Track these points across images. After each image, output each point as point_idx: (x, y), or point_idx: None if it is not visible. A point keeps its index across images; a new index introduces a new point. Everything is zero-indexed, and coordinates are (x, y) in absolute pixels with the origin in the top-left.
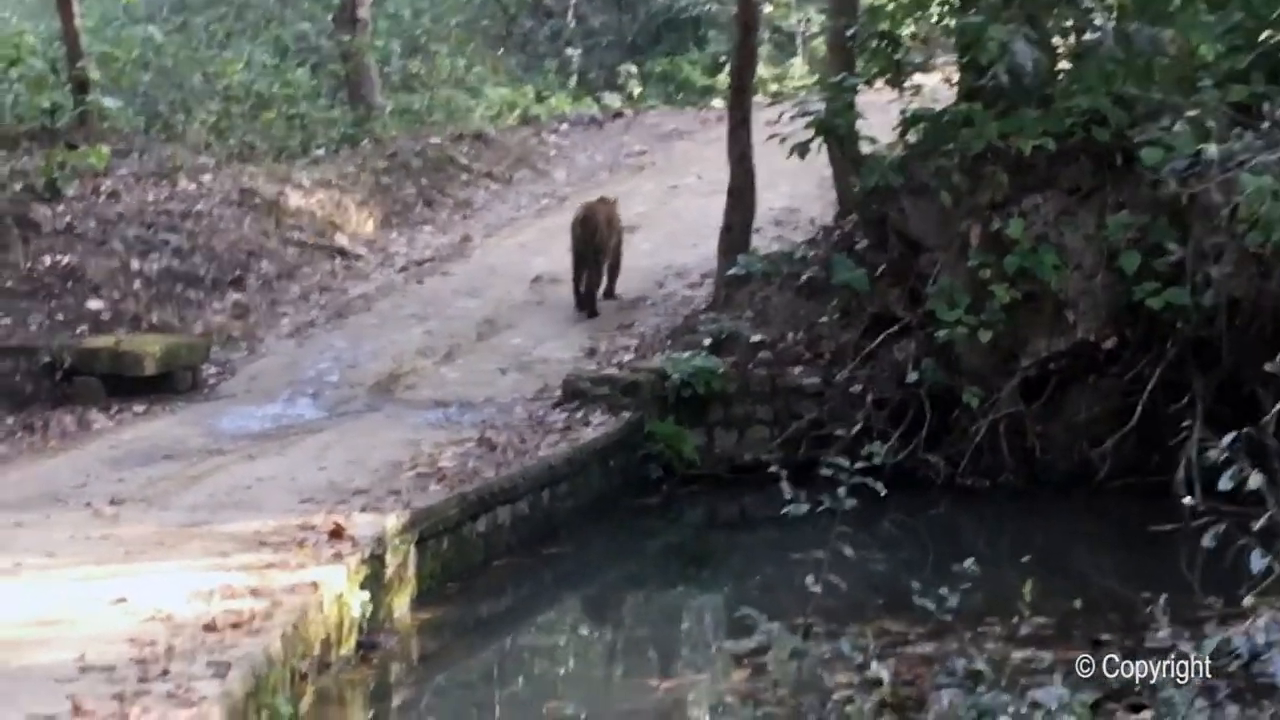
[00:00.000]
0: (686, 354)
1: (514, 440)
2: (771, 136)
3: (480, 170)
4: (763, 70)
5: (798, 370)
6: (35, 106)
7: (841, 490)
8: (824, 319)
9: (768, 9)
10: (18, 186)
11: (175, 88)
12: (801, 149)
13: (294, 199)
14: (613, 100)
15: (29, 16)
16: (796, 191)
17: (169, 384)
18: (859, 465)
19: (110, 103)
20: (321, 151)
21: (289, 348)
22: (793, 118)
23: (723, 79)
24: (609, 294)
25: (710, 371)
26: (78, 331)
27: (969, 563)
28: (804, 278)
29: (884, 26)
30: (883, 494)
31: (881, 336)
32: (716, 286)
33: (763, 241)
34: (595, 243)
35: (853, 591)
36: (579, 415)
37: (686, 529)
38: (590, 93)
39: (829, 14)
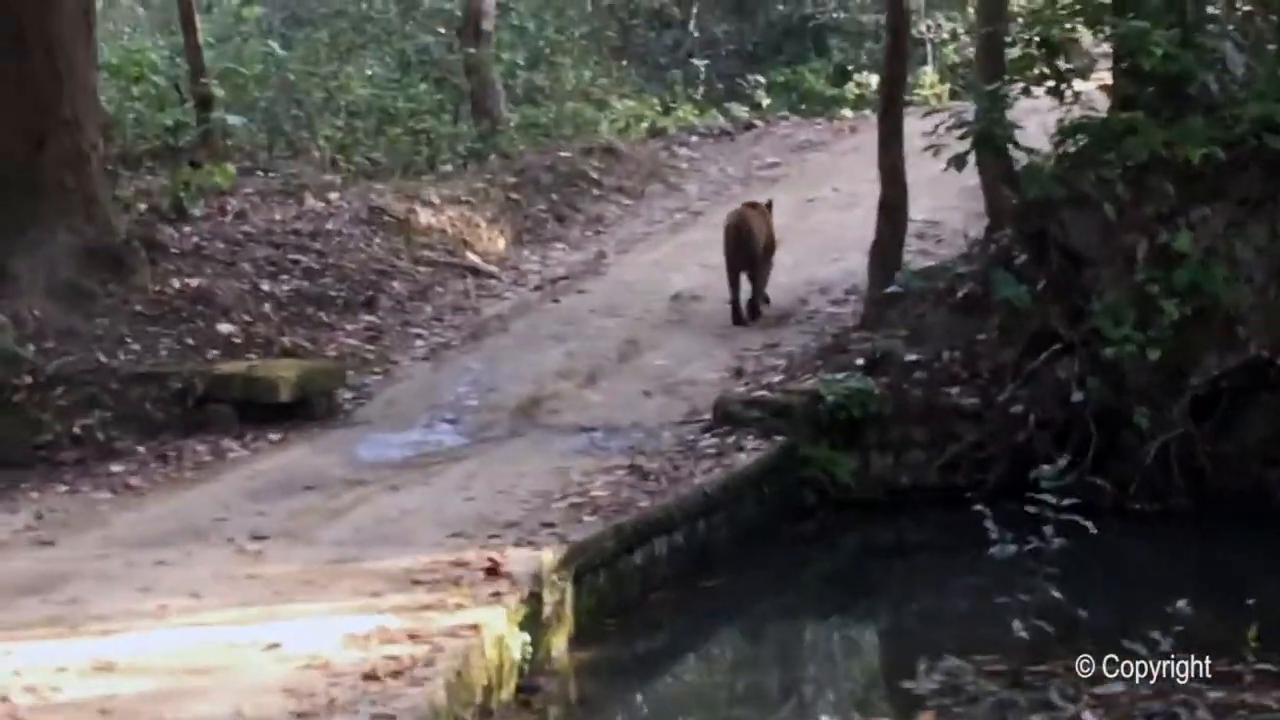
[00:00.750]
0: (840, 375)
1: (666, 467)
2: (929, 148)
3: (611, 185)
4: None
5: (955, 390)
6: (157, 124)
7: (1048, 528)
8: (982, 337)
9: None
10: (142, 207)
11: (296, 104)
12: (959, 161)
13: (424, 216)
14: (740, 111)
15: (149, 33)
16: (937, 203)
17: (304, 410)
18: (1068, 501)
19: (234, 120)
20: (449, 167)
21: (425, 371)
22: (950, 128)
23: (852, 88)
24: (760, 301)
25: (866, 393)
26: (209, 356)
27: (1182, 604)
28: (960, 294)
29: (1042, 32)
30: (1093, 532)
31: (1044, 355)
32: (867, 304)
33: (906, 255)
34: (749, 249)
35: (1033, 626)
36: (730, 440)
37: (842, 557)
38: (716, 103)
39: (978, 20)
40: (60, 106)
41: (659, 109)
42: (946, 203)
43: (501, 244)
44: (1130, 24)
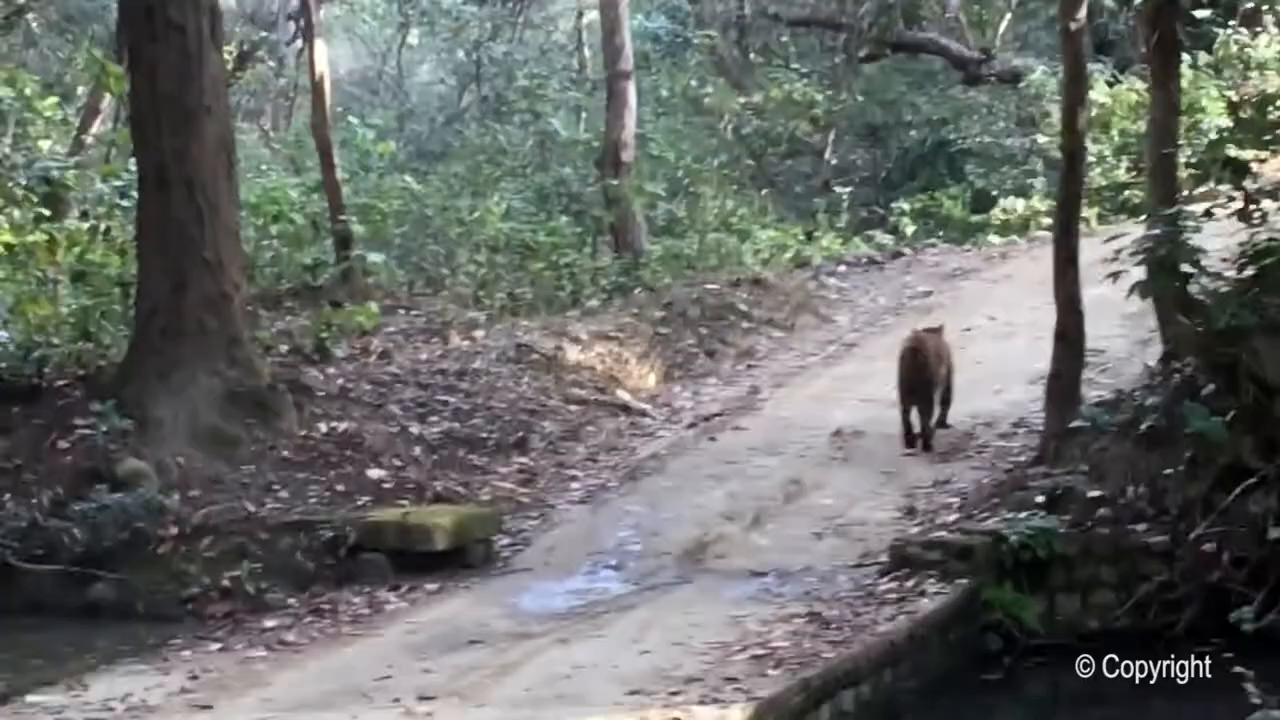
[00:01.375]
0: (1022, 515)
1: (847, 614)
2: (1110, 274)
3: (760, 317)
4: (1036, 201)
5: (1141, 528)
6: (296, 263)
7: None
8: (1168, 471)
9: (1041, 139)
10: (284, 349)
11: (434, 239)
12: (1144, 288)
13: (571, 353)
14: (884, 239)
15: (285, 169)
16: (1097, 330)
17: (461, 558)
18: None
19: (374, 257)
20: (594, 302)
21: (583, 514)
22: (1132, 254)
23: (998, 214)
24: (942, 423)
25: (1050, 532)
26: (359, 503)
27: None
28: (1144, 427)
29: (1230, 152)
30: None
31: (1238, 489)
32: (1045, 438)
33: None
34: (925, 375)
35: None
36: (911, 584)
37: (1033, 707)
38: (857, 231)
39: (1149, 142)
40: (202, 247)
41: (802, 238)
42: (1108, 330)
43: (652, 380)
44: None
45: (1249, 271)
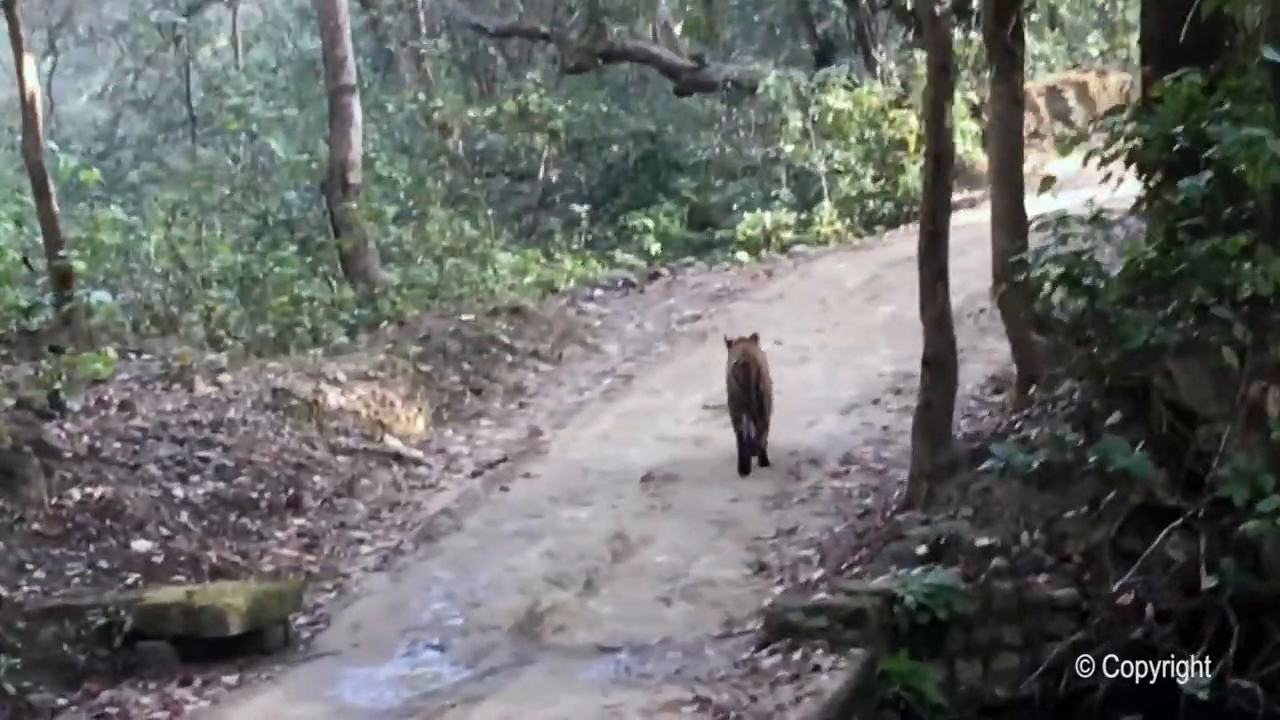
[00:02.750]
0: (913, 570)
1: (739, 699)
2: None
3: (524, 349)
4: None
5: (1043, 579)
6: (8, 305)
7: None
8: (1069, 514)
9: (788, 148)
10: (10, 402)
11: (158, 275)
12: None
13: (332, 397)
14: (628, 259)
15: None
16: (900, 353)
17: (258, 643)
18: None
19: (101, 296)
20: (343, 339)
21: (383, 584)
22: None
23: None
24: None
25: (950, 590)
26: (128, 581)
27: None
28: (1035, 464)
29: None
30: None
31: (1164, 533)
32: (913, 479)
33: (884, 416)
34: (761, 388)
35: None
36: (797, 657)
37: None
38: (599, 253)
39: (993, 138)
40: None
41: (542, 261)
42: (912, 351)
43: (420, 424)
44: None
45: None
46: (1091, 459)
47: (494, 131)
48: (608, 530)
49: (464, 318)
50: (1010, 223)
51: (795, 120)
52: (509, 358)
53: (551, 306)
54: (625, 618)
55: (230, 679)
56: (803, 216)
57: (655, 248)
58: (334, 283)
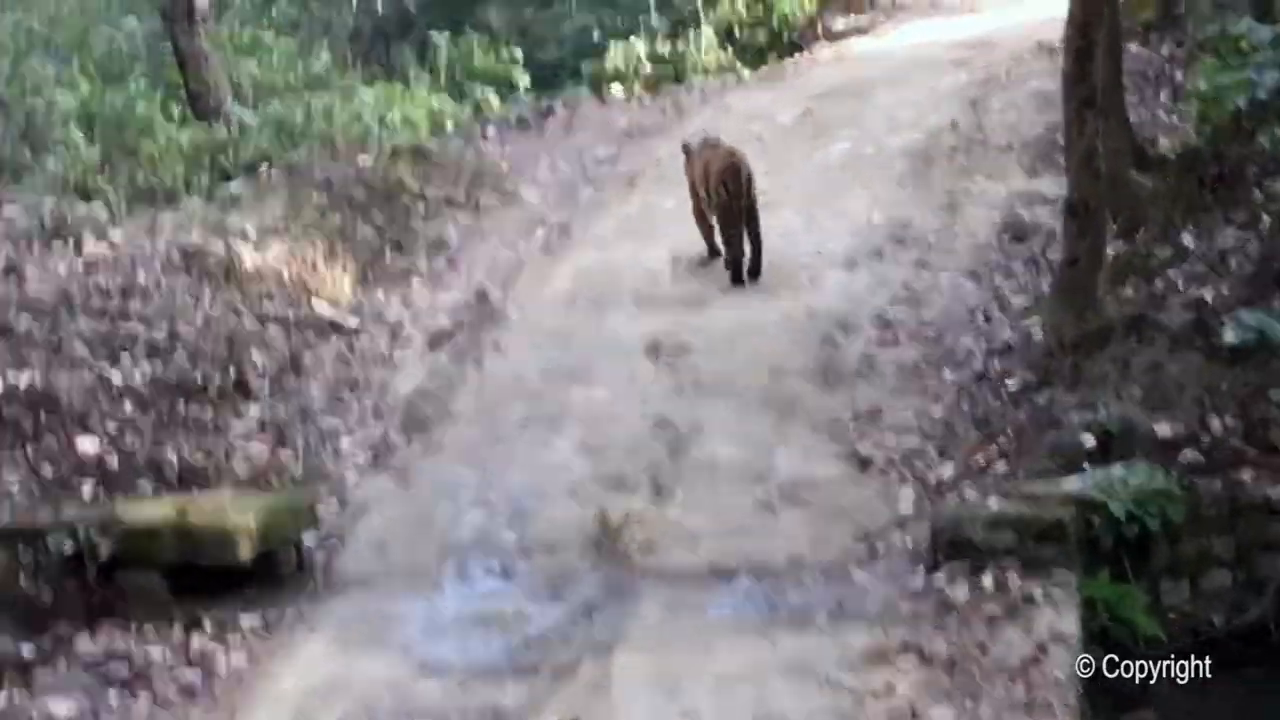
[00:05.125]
0: (1115, 470)
1: (964, 647)
2: None
3: (437, 197)
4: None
5: (1247, 476)
6: None
7: None
8: (1273, 393)
9: None
10: None
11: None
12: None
13: (247, 258)
14: (488, 98)
15: None
16: (879, 196)
17: (267, 571)
18: None
19: None
20: (234, 188)
21: (388, 487)
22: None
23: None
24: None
25: (1165, 495)
26: (84, 493)
27: None
28: (1229, 337)
29: None
30: None
31: None
32: (1050, 349)
33: (890, 268)
34: (752, 194)
35: None
36: (985, 583)
37: None
38: (452, 85)
39: None
40: None
41: (400, 96)
42: (887, 193)
43: (347, 286)
44: None
45: None
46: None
47: None
48: (641, 415)
49: (362, 160)
50: None
51: None
52: (421, 207)
53: (450, 148)
54: (724, 531)
55: (251, 620)
56: (678, 47)
57: (524, 82)
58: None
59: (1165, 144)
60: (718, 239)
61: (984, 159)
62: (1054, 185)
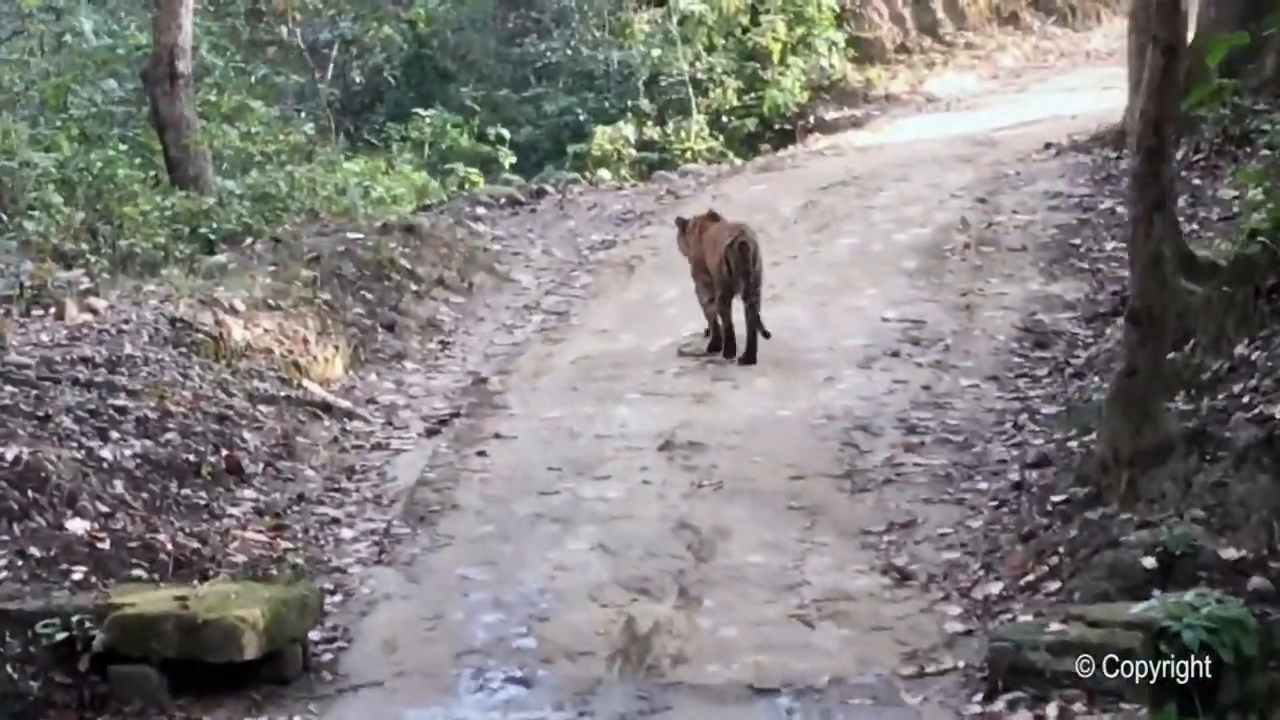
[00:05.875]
0: (1187, 596)
1: None
2: None
3: (429, 276)
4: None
5: None
6: None
7: None
8: None
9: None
10: None
11: None
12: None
13: (236, 332)
14: (470, 175)
15: None
16: (891, 295)
17: (272, 670)
18: None
19: None
20: (221, 258)
21: (396, 583)
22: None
23: (603, 142)
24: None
25: (1239, 625)
26: (75, 577)
27: None
28: None
29: None
30: None
31: None
32: (1102, 462)
33: (913, 374)
34: (759, 270)
35: None
36: (1049, 713)
37: None
38: (430, 164)
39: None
40: None
41: (383, 170)
42: (909, 293)
43: (339, 366)
44: None
45: None
46: None
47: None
48: (660, 515)
49: (351, 236)
50: None
51: (641, 23)
52: (413, 286)
53: (440, 225)
54: (759, 644)
55: None
56: (667, 132)
57: (510, 162)
58: (168, 191)
59: (1201, 252)
60: (716, 316)
61: (998, 260)
62: (1073, 289)
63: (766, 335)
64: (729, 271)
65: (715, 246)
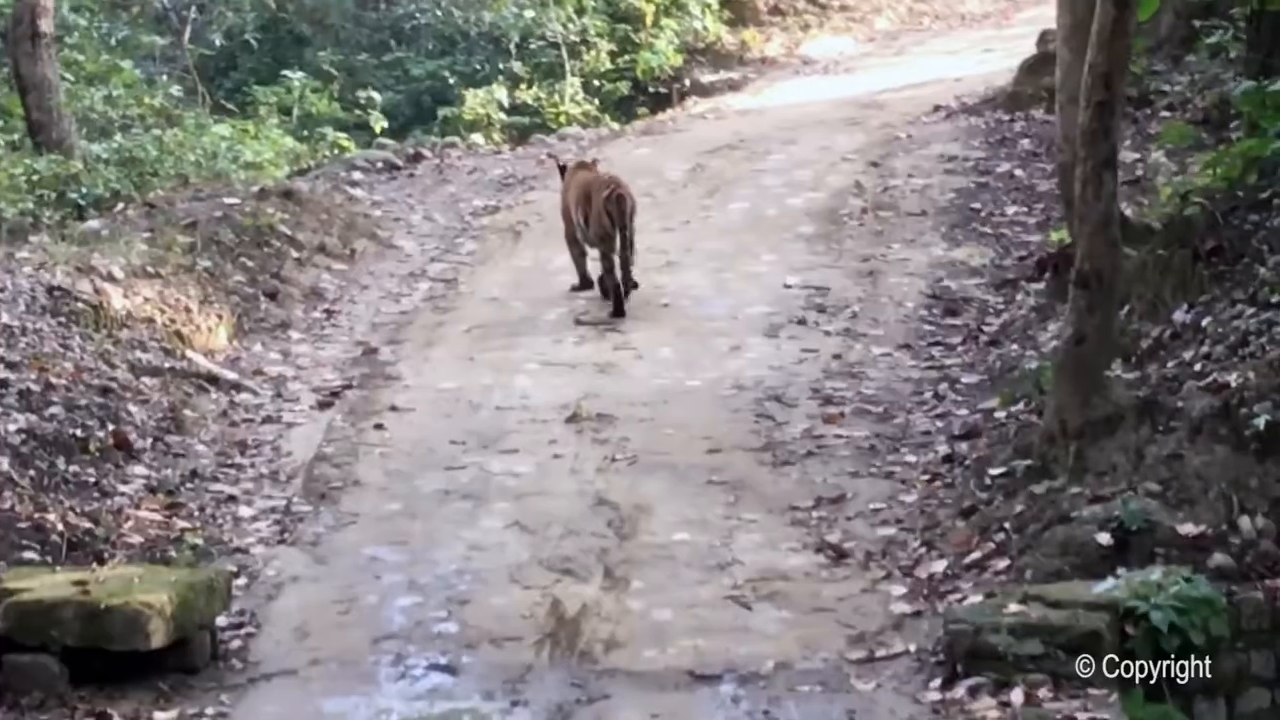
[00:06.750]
0: (1154, 575)
1: None
2: None
3: (310, 243)
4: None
5: None
6: None
7: None
8: None
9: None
10: None
11: None
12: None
13: (116, 299)
14: (340, 139)
15: None
16: (791, 260)
17: (178, 658)
18: None
19: None
20: (94, 223)
21: (303, 564)
22: None
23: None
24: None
25: (1209, 605)
26: None
27: None
28: (1257, 423)
29: None
30: None
31: None
32: (1047, 432)
33: (829, 342)
34: (634, 223)
35: None
36: (1012, 698)
37: None
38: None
39: None
40: None
41: (250, 134)
42: (798, 257)
43: (223, 336)
44: None
45: None
46: None
47: None
48: (578, 492)
49: (229, 201)
50: None
51: None
52: (294, 253)
53: (319, 191)
54: (696, 627)
55: (166, 715)
56: (540, 95)
57: (381, 126)
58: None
59: (1130, 213)
60: (589, 267)
61: (897, 225)
62: (977, 255)
63: (635, 286)
64: (610, 223)
65: (588, 197)
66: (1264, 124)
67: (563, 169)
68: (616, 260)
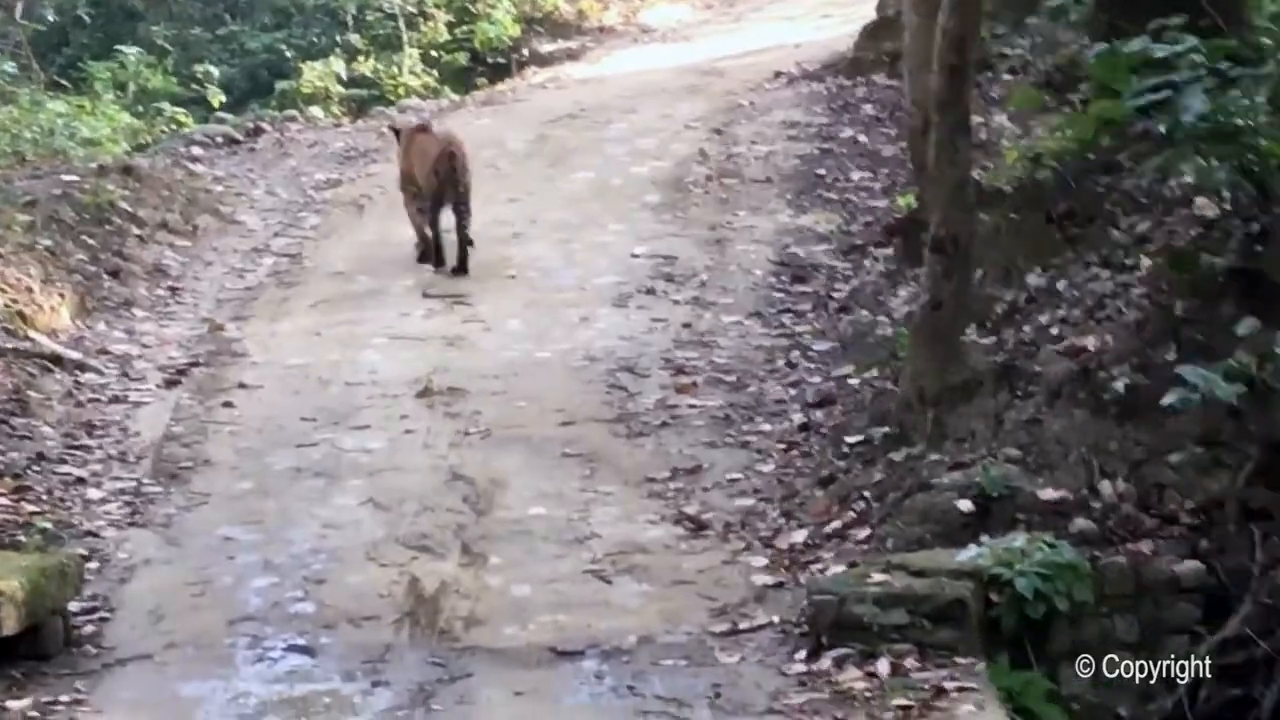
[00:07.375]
0: (1017, 541)
1: None
2: None
3: (151, 220)
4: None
5: (1147, 549)
6: None
7: None
8: (1173, 457)
9: None
10: None
11: None
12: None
13: None
14: (178, 114)
15: None
16: (638, 230)
17: (34, 645)
18: None
19: None
20: None
21: (155, 546)
22: None
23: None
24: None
25: (1073, 570)
26: None
27: None
28: (1117, 386)
29: None
30: None
31: None
32: (906, 399)
33: (679, 311)
34: (468, 180)
35: None
36: (880, 669)
37: None
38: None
39: None
40: None
41: (87, 110)
42: (645, 227)
43: (65, 315)
44: None
45: None
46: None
47: None
48: (431, 467)
49: (68, 178)
50: None
51: None
52: (136, 230)
53: (159, 167)
54: (556, 603)
55: (22, 706)
56: (378, 68)
57: (219, 100)
58: None
59: (979, 177)
60: (425, 226)
61: (743, 192)
62: (823, 221)
63: (472, 244)
64: (439, 181)
65: (424, 158)
66: (1118, 86)
67: (397, 133)
68: (441, 216)
